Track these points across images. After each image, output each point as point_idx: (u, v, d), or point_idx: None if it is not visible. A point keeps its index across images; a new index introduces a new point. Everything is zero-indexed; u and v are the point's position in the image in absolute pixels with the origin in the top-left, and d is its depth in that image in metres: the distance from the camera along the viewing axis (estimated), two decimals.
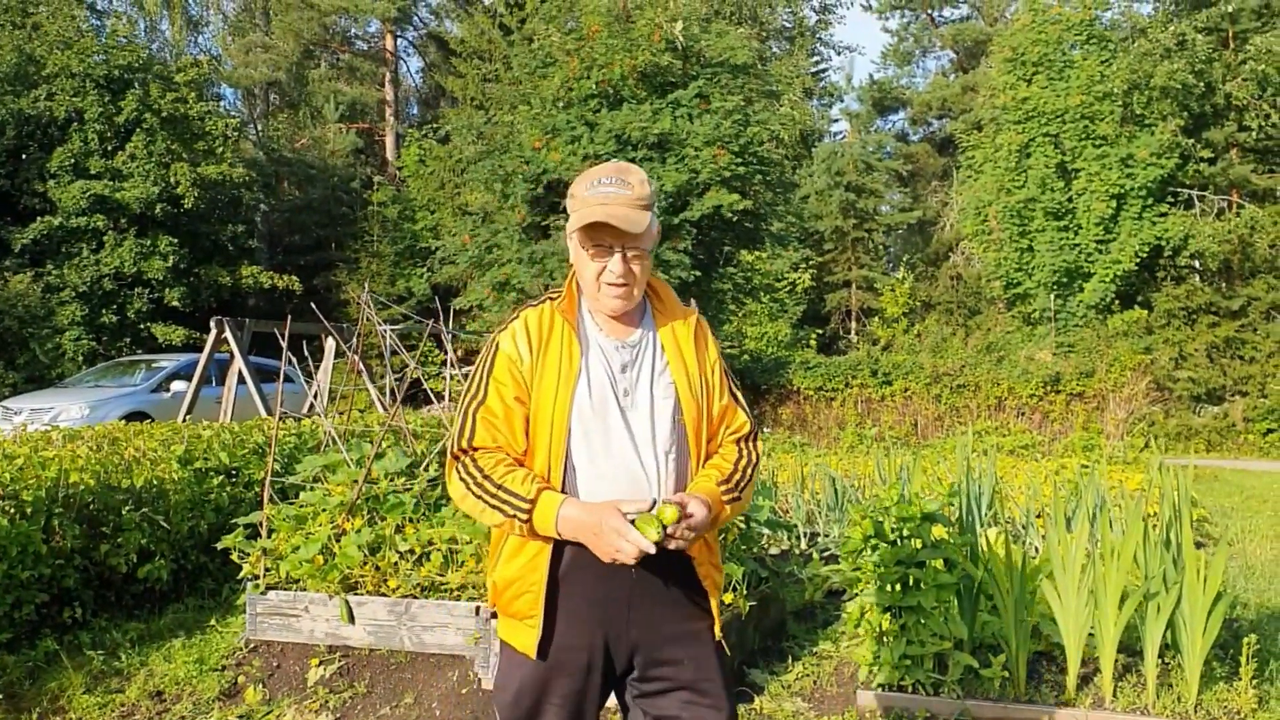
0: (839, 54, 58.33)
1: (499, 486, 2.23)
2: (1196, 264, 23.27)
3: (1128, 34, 23.45)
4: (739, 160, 16.16)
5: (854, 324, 30.60)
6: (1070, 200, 21.92)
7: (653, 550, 2.13)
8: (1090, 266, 21.67)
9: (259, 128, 33.61)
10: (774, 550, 6.76)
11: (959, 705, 4.15)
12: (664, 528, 2.14)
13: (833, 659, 4.88)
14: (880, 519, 4.33)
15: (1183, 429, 20.07)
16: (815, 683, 4.60)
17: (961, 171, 26.43)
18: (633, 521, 2.14)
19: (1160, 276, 22.93)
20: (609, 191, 2.30)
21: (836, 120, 38.58)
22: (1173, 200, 22.48)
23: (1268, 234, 22.21)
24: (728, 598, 4.39)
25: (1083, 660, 4.39)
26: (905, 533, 4.28)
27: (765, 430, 17.63)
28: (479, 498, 2.25)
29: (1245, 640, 4.37)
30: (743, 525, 4.91)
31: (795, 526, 7.21)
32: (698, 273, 16.05)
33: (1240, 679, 4.29)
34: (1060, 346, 20.90)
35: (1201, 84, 22.35)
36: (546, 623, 2.31)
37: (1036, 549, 6.43)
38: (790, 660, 4.83)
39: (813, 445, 17.21)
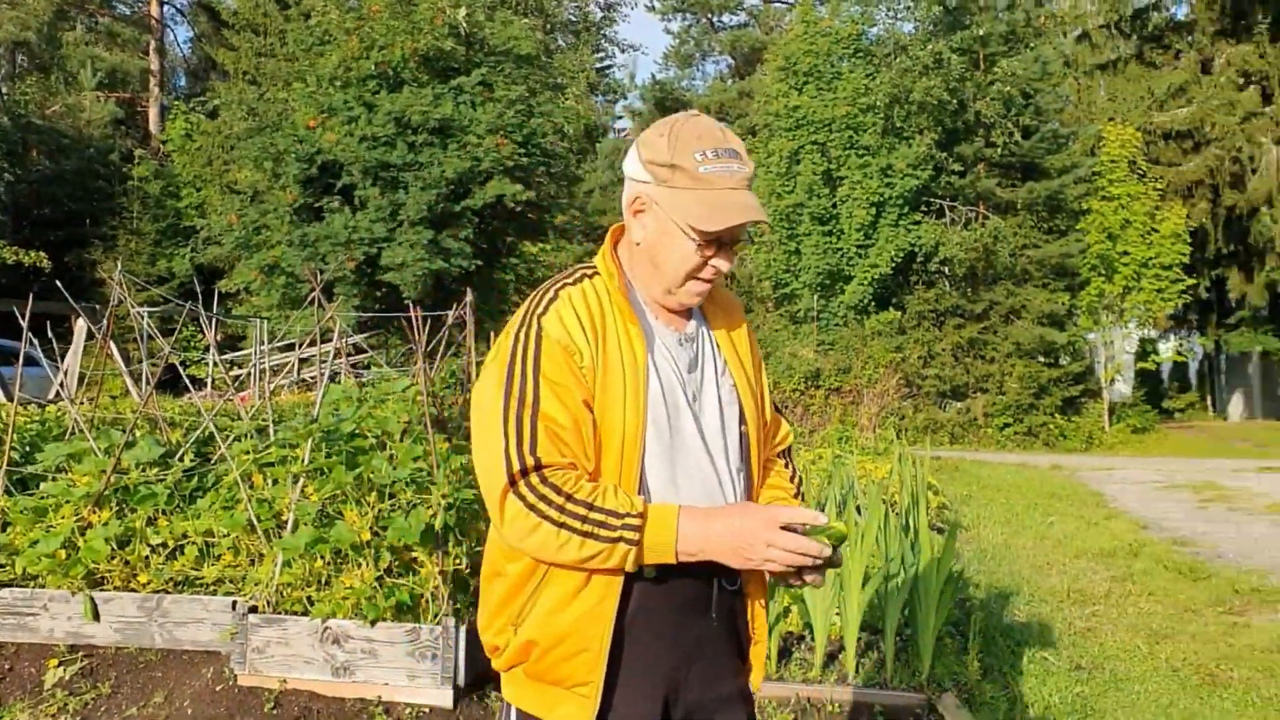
0: (623, 52, 59.08)
1: (591, 506, 1.71)
2: (945, 270, 24.96)
3: (891, 50, 24.86)
4: (522, 151, 16.18)
5: None
6: (835, 206, 23.09)
7: (839, 565, 1.80)
8: (851, 270, 22.90)
9: (3, 90, 30.92)
10: None
11: None
12: (834, 548, 1.76)
13: None
14: None
15: (929, 423, 21.54)
16: None
17: None
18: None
19: (913, 280, 24.49)
20: (731, 169, 1.84)
21: (620, 117, 39.18)
22: (926, 209, 24.06)
23: (1009, 243, 24.10)
24: None
25: (832, 639, 4.68)
26: None
27: None
28: (563, 525, 1.70)
29: (974, 617, 4.78)
30: None
31: None
32: (479, 262, 15.98)
33: (969, 652, 4.69)
34: (821, 344, 22.02)
35: (955, 101, 24.01)
36: (606, 689, 1.82)
37: None
38: None
39: None
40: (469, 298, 4.98)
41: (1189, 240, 25.56)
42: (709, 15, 38.35)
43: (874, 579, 4.53)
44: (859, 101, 22.71)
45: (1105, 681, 4.77)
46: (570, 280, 1.91)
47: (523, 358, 1.80)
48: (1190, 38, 30.13)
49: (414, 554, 4.17)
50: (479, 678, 4.19)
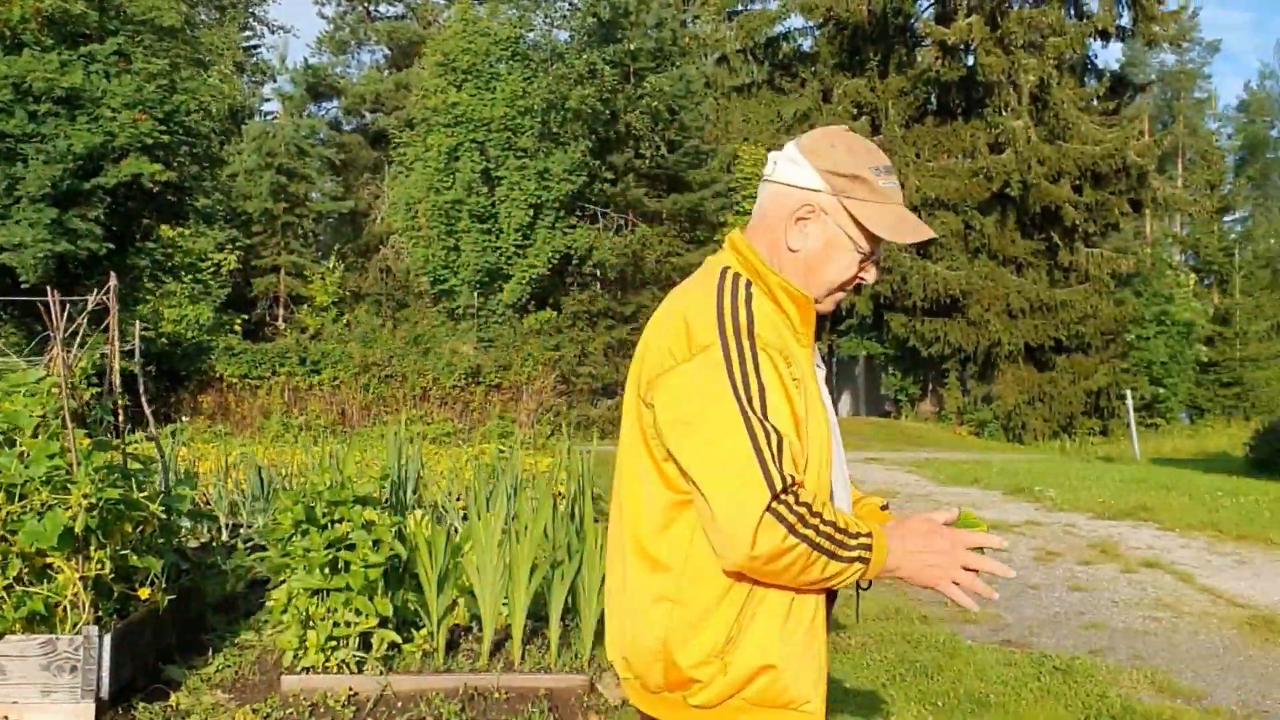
0: (273, 32, 56.18)
1: (835, 526, 1.63)
2: (599, 273, 25.92)
3: (548, 56, 25.45)
4: (163, 128, 15.05)
5: (282, 310, 29.80)
6: (494, 205, 23.31)
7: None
8: (510, 268, 23.22)
9: None
10: (195, 543, 6.45)
11: (382, 681, 4.31)
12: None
13: (255, 648, 4.80)
14: (312, 504, 4.35)
15: (582, 419, 22.27)
16: (237, 673, 4.49)
17: (393, 167, 26.93)
18: None
19: (569, 282, 25.23)
20: (897, 186, 1.84)
21: (269, 100, 37.31)
22: (581, 214, 24.86)
23: (655, 250, 25.42)
24: (144, 593, 4.14)
25: (501, 628, 4.77)
26: (337, 516, 4.36)
27: (184, 419, 16.58)
28: (817, 546, 1.61)
29: None
30: (163, 516, 4.65)
31: (218, 518, 6.93)
32: (110, 245, 14.70)
33: None
34: (481, 341, 22.17)
35: (608, 111, 24.97)
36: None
37: (456, 528, 6.82)
38: (211, 653, 4.66)
39: (236, 435, 16.51)
40: (113, 282, 4.60)
41: None
42: (366, 3, 37.44)
43: (541, 568, 4.68)
44: (517, 104, 23.05)
45: None
46: (741, 284, 1.78)
47: (741, 363, 1.67)
48: (814, 68, 33.12)
49: (50, 559, 3.82)
50: (125, 689, 3.91)
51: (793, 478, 1.62)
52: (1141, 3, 30.16)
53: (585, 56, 24.57)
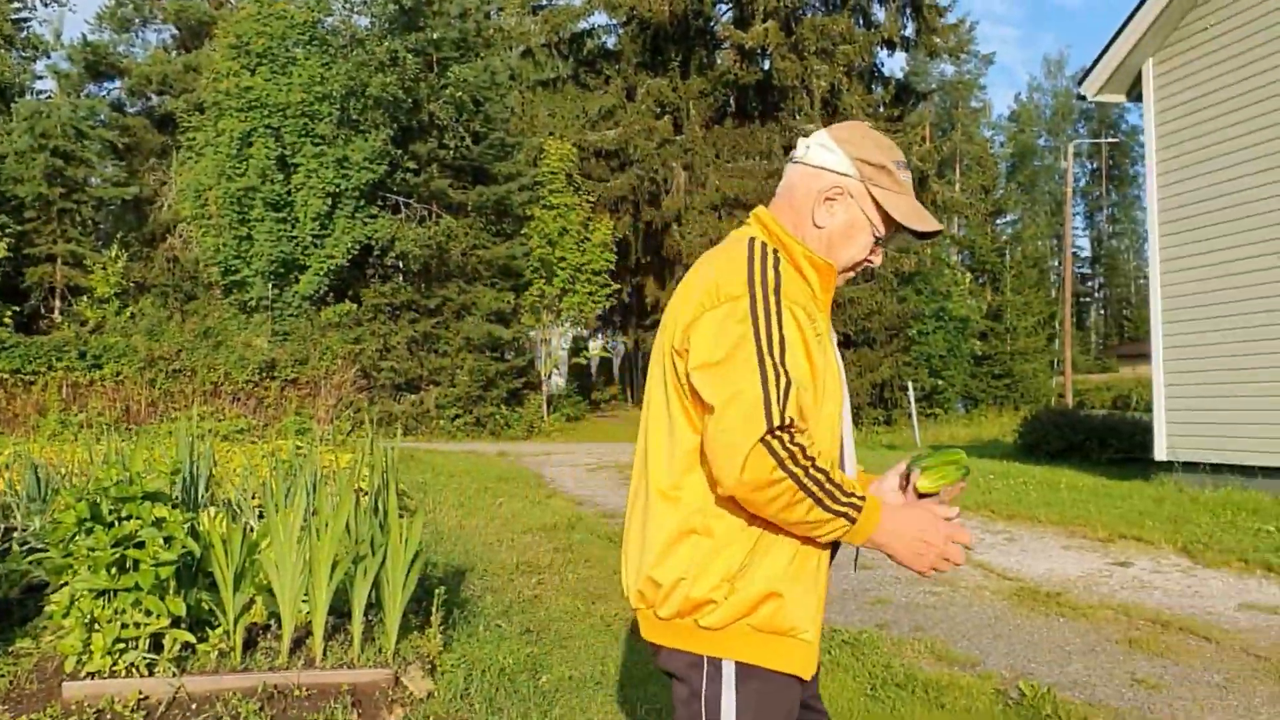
0: (46, 5, 52.40)
1: (827, 475, 1.78)
2: (401, 265, 25.46)
3: (347, 42, 24.79)
4: None
5: (58, 302, 27.85)
6: (290, 193, 22.54)
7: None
8: (306, 259, 22.51)
9: None
10: None
11: (175, 682, 4.16)
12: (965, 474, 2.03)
13: (33, 655, 4.54)
14: (98, 500, 4.16)
15: (385, 414, 21.87)
16: (12, 683, 4.24)
17: (182, 152, 25.63)
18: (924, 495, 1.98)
19: (370, 274, 24.66)
20: (910, 180, 2.09)
21: (42, 77, 34.71)
22: (382, 204, 24.34)
23: (461, 242, 25.16)
24: None
25: (302, 625, 4.68)
26: (125, 514, 4.17)
27: None
28: (802, 485, 1.75)
29: (435, 593, 5.05)
30: None
31: None
32: None
33: (431, 626, 4.94)
34: (276, 335, 21.40)
35: (410, 100, 24.54)
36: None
37: (253, 526, 6.62)
38: None
39: (9, 433, 15.38)
40: None
41: (614, 249, 28.51)
42: None
43: (343, 563, 4.62)
44: (314, 89, 22.37)
45: (551, 640, 5.28)
46: (770, 250, 1.94)
47: (765, 314, 1.83)
48: (618, 66, 33.52)
49: None
50: None
51: (792, 420, 1.76)
52: (924, 15, 31.97)
53: (386, 44, 24.06)
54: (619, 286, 30.49)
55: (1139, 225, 65.46)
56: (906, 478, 2.00)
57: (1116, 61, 12.00)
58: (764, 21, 30.16)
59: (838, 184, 2.02)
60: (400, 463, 13.25)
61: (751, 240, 1.97)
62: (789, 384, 1.78)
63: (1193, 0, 11.25)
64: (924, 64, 51.29)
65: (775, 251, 1.94)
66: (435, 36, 25.53)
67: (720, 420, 1.78)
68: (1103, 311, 71.31)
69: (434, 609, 5.00)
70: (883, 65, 45.15)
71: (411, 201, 25.01)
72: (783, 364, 1.79)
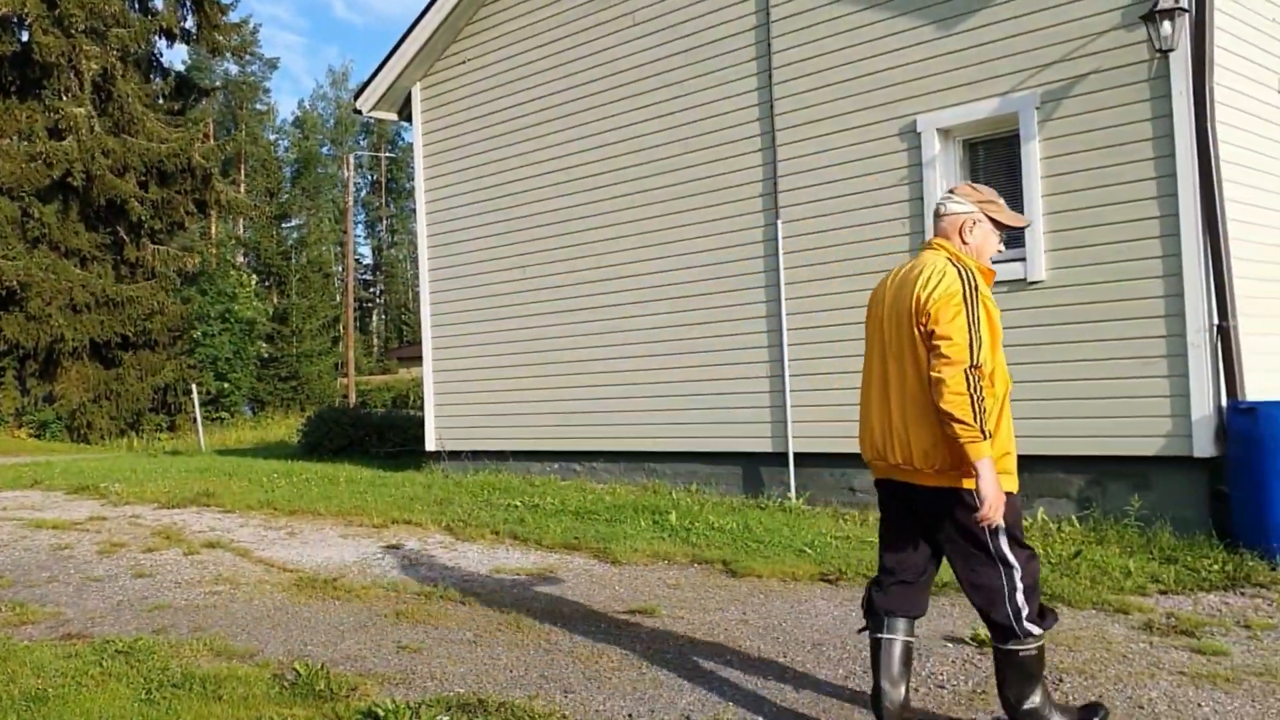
0: None
1: (983, 406, 3.19)
2: None
3: None
4: None
5: None
6: None
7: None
8: None
9: None
10: None
11: None
12: None
13: None
14: None
15: None
16: None
17: None
18: None
19: None
20: (1004, 202, 3.68)
21: None
22: None
23: None
24: None
25: None
26: None
27: None
28: (972, 406, 3.17)
29: None
30: None
31: None
32: None
33: None
34: None
35: None
36: None
37: None
38: None
39: None
40: None
41: None
42: None
43: None
44: None
45: None
46: (964, 264, 3.40)
47: (973, 303, 3.27)
48: None
49: None
50: None
51: (980, 365, 3.21)
52: (206, 9, 31.02)
53: None
54: None
55: (414, 236, 70.01)
56: None
57: (388, 82, 12.89)
58: None
59: (970, 217, 3.53)
60: None
61: (947, 259, 3.38)
62: (981, 346, 3.22)
63: (454, 34, 12.51)
64: (207, 60, 49.68)
65: (964, 264, 3.38)
66: None
67: (949, 353, 3.20)
68: (384, 316, 75.12)
69: None
70: (162, 56, 42.90)
71: None
72: (978, 331, 3.22)
